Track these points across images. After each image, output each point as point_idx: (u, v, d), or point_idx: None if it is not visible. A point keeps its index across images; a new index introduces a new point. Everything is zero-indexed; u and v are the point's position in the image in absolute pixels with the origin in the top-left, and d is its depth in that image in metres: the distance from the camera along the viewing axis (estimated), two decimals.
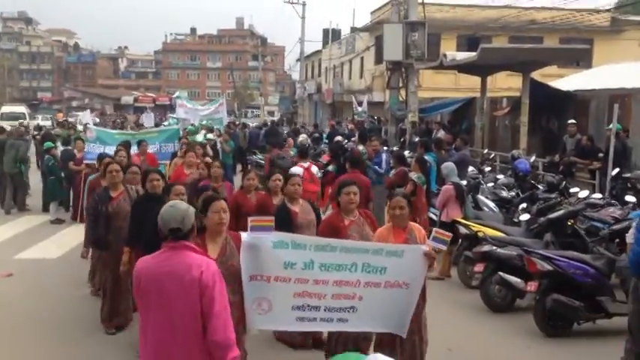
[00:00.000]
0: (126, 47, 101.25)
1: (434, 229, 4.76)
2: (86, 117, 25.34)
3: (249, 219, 4.33)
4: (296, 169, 9.35)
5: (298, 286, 4.36)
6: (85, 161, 11.68)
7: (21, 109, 40.29)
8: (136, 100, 66.40)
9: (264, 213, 6.07)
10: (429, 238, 4.75)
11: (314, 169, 9.89)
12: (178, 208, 3.40)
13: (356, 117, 25.30)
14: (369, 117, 26.26)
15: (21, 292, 7.78)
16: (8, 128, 16.68)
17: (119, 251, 6.02)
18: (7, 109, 39.51)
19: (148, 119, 26.65)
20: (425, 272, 4.63)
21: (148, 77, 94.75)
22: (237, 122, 26.39)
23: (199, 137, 14.93)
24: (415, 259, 4.54)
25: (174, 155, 11.68)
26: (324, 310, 4.48)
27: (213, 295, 3.20)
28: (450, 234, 4.67)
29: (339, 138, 16.99)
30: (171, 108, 25.41)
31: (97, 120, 32.91)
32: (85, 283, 7.87)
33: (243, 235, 4.23)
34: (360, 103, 26.50)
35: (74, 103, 71.19)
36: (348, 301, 4.49)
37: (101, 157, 9.33)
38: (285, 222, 5.56)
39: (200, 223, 4.08)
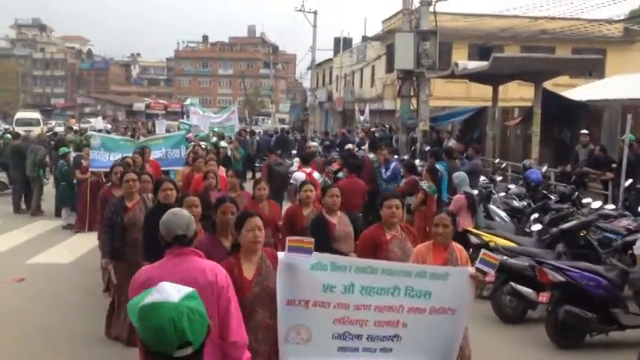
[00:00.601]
0: (138, 54, 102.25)
1: (482, 250, 4.48)
2: (98, 123, 25.49)
3: (287, 239, 4.03)
4: (298, 175, 9.88)
5: (338, 311, 4.07)
6: (90, 169, 11.44)
7: (35, 115, 40.56)
8: (147, 106, 66.94)
9: (294, 225, 6.04)
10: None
11: (315, 174, 10.20)
12: (182, 215, 3.49)
13: (358, 125, 25.33)
14: (381, 125, 26.29)
15: (32, 298, 7.83)
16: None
17: (136, 264, 5.69)
18: (21, 115, 39.86)
19: (160, 126, 26.77)
20: (472, 297, 4.38)
21: (159, 84, 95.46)
22: (247, 129, 26.56)
23: (202, 144, 14.80)
24: (461, 283, 4.26)
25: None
26: (367, 339, 4.17)
27: (229, 297, 3.27)
28: (499, 258, 4.39)
29: (349, 146, 17.01)
30: (183, 115, 25.52)
31: (110, 126, 33.12)
32: (95, 290, 7.89)
33: (280, 255, 3.96)
34: (362, 112, 26.55)
35: (87, 110, 71.84)
36: (391, 328, 4.20)
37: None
38: (323, 234, 5.40)
39: (234, 240, 4.02)
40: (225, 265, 3.73)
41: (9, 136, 18.30)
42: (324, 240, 5.15)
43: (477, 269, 4.28)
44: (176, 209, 3.71)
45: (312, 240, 4.02)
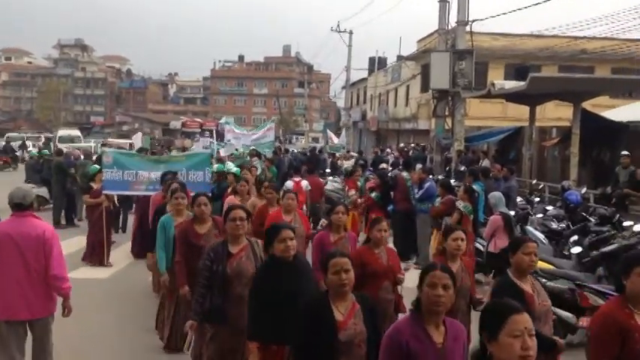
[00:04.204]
0: (176, 74, 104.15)
1: None
2: (138, 140, 25.59)
3: None
4: (288, 183, 11.37)
5: None
6: (103, 191, 10.23)
7: (76, 132, 41.99)
8: (183, 125, 67.91)
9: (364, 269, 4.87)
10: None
11: (303, 183, 11.52)
12: (21, 189, 5.03)
13: (332, 151, 24.87)
14: (415, 144, 26.18)
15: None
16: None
17: (240, 328, 4.49)
18: (63, 132, 41.18)
19: (198, 147, 25.94)
20: None
21: (196, 103, 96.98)
22: (282, 148, 26.64)
23: (232, 166, 12.24)
24: None
25: (222, 190, 10.03)
26: None
27: (52, 244, 4.89)
28: None
29: (383, 165, 16.99)
30: (218, 133, 25.36)
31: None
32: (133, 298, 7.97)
33: None
34: (338, 135, 26.43)
35: (124, 128, 73.29)
36: None
37: (165, 178, 8.53)
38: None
39: None
40: None
41: (47, 152, 19.00)
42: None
43: None
44: (20, 185, 5.37)
45: None
